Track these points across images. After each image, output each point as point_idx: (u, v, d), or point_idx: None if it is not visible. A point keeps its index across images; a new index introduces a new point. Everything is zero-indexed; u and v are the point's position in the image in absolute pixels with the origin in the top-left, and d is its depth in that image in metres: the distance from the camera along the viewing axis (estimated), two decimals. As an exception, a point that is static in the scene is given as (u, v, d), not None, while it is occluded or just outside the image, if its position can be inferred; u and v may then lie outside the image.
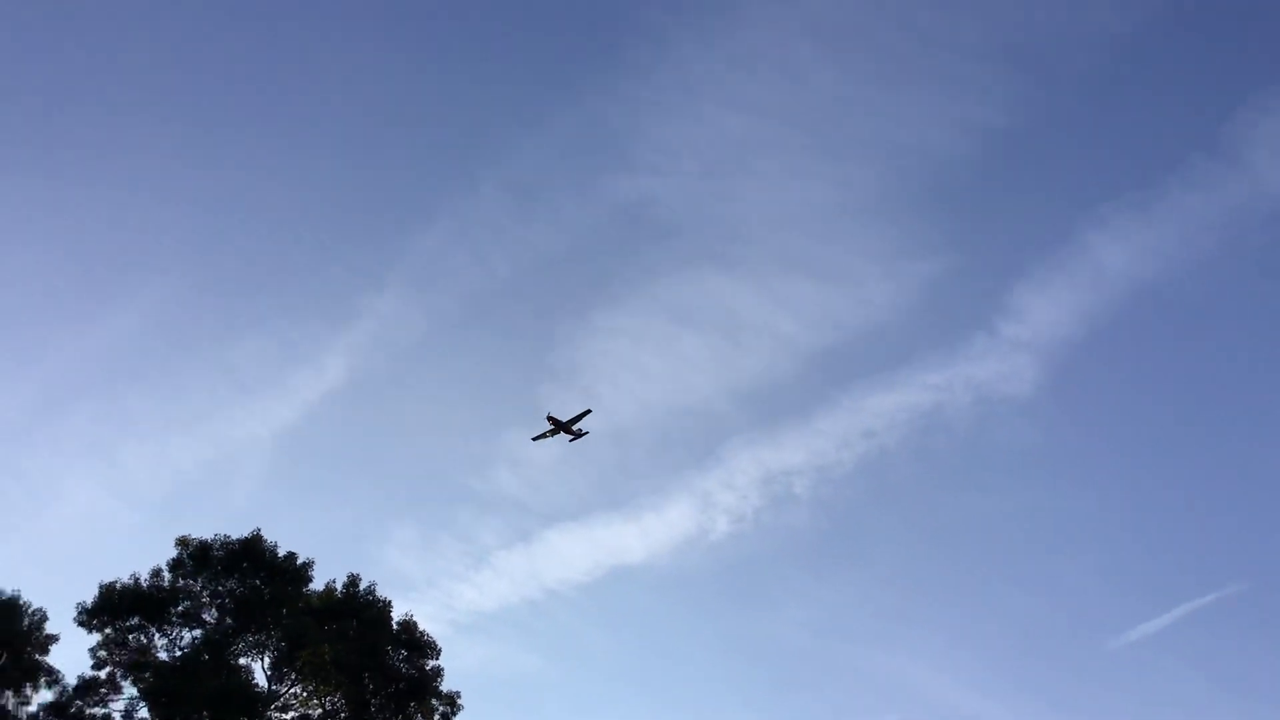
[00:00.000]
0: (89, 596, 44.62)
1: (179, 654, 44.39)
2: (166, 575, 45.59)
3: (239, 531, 46.62)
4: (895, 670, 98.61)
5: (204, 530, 46.46)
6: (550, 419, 69.34)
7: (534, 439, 70.00)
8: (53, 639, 44.29)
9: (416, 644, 46.10)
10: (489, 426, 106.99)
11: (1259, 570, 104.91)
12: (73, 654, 48.02)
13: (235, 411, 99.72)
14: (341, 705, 44.22)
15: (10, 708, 41.70)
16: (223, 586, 45.62)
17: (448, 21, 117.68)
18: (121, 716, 42.98)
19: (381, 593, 46.76)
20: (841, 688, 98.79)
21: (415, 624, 46.52)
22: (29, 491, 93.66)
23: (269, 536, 46.83)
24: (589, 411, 68.35)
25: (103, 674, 43.76)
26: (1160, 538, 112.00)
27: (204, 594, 45.60)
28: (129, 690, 43.33)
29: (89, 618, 44.33)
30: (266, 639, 45.32)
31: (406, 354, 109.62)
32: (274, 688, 44.54)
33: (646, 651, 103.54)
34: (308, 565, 47.25)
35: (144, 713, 42.76)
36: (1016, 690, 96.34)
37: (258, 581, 45.90)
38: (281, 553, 46.87)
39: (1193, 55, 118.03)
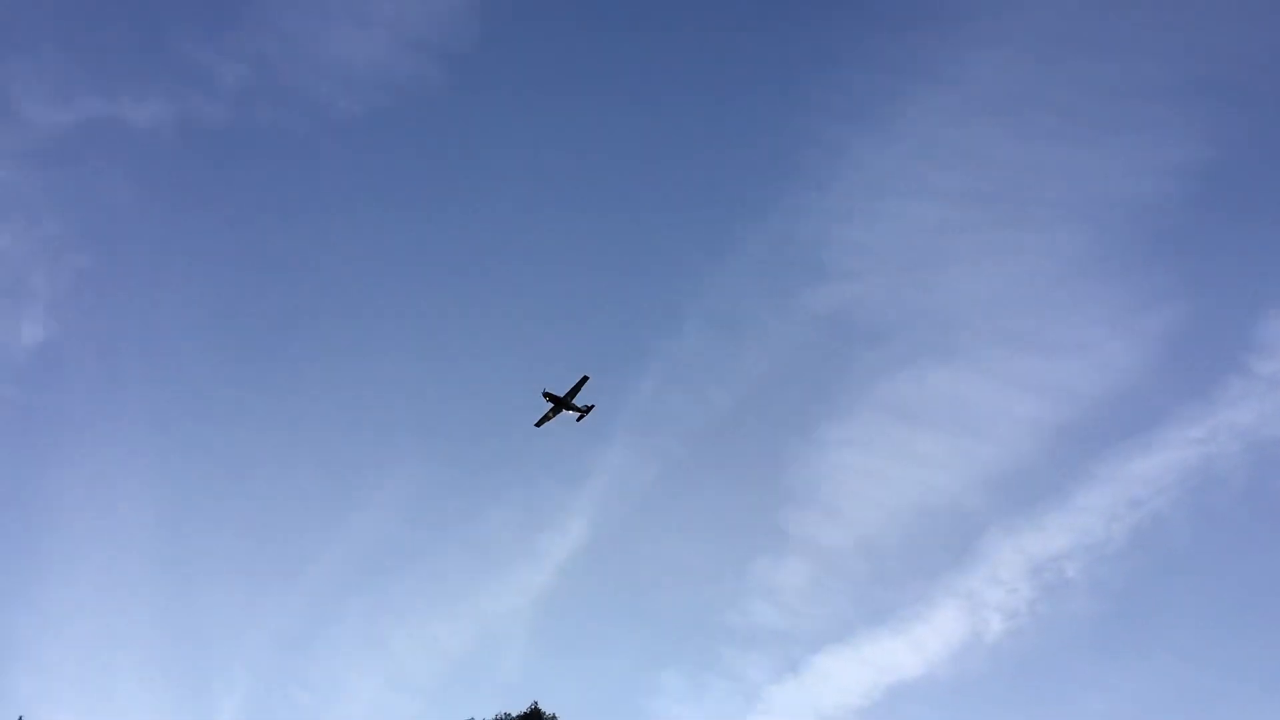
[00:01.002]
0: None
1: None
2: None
3: (516, 706, 48.52)
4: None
5: (483, 709, 48.67)
6: (547, 395, 66.44)
7: (536, 424, 67.71)
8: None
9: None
10: (735, 560, 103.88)
11: None
12: None
13: (491, 585, 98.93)
14: None
15: None
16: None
17: (627, 160, 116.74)
18: None
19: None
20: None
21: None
22: (321, 698, 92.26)
23: (546, 707, 48.79)
24: (587, 379, 65.68)
25: None
26: None
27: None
28: None
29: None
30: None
31: (642, 502, 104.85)
32: None
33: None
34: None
35: None
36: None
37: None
38: (562, 720, 46.39)
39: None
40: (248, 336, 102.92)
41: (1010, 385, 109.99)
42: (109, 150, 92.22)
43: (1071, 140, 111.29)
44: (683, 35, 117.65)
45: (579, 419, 68.28)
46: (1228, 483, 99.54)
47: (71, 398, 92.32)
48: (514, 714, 47.46)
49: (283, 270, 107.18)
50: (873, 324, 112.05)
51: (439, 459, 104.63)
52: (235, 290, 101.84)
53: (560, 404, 67.21)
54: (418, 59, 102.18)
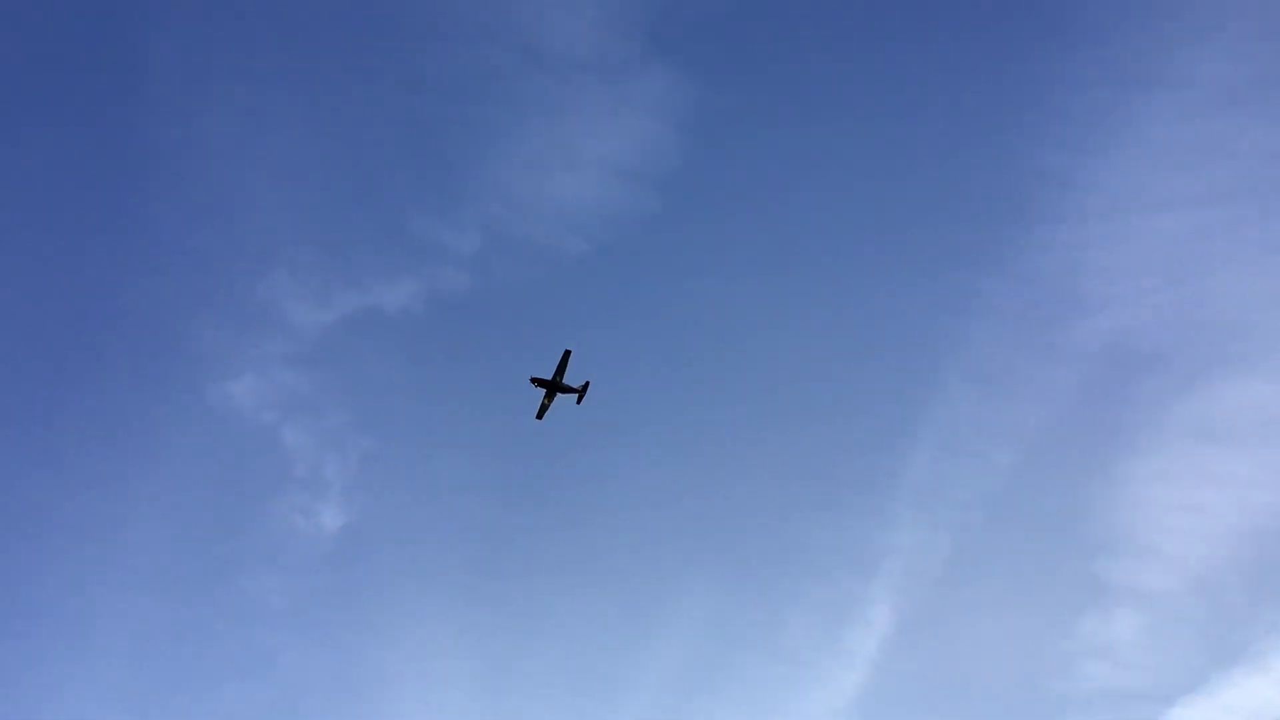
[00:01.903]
0: None
1: None
2: None
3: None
4: None
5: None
6: (535, 381, 64.93)
7: (538, 417, 66.16)
8: None
9: None
10: (1056, 623, 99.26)
11: None
12: None
13: (805, 690, 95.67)
14: None
15: None
16: None
17: (851, 241, 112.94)
18: None
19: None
20: None
21: None
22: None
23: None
24: (569, 353, 63.59)
25: None
26: None
27: None
28: None
29: None
30: None
31: (943, 579, 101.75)
32: None
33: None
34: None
35: None
36: None
37: None
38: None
39: None
40: (519, 484, 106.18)
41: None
42: (371, 337, 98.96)
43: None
44: (876, 108, 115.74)
45: (578, 400, 65.10)
46: None
47: (378, 576, 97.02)
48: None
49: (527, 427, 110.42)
50: (1148, 348, 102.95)
51: (731, 567, 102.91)
52: (504, 441, 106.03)
53: (552, 387, 64.44)
54: (631, 188, 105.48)
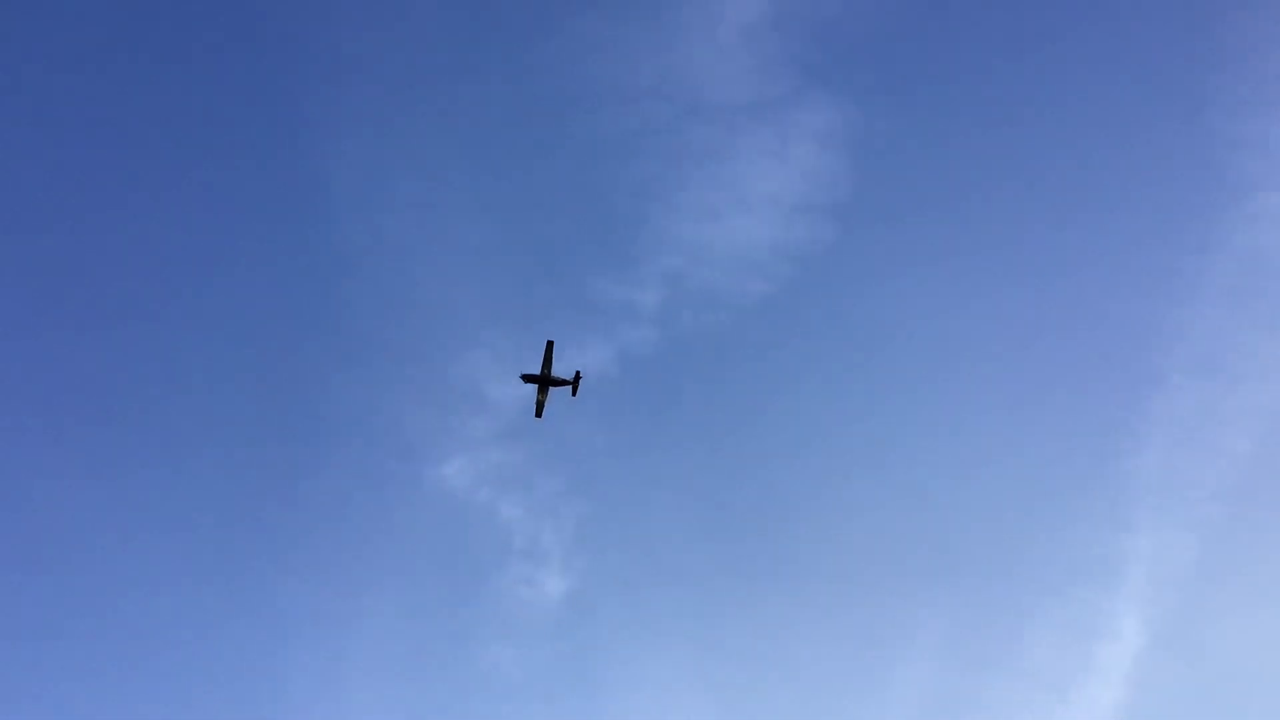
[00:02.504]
0: None
1: None
2: None
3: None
4: None
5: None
6: (525, 378, 64.26)
7: (537, 415, 65.80)
8: None
9: None
10: None
11: None
12: None
13: (1058, 711, 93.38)
14: None
15: None
16: None
17: (1038, 251, 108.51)
18: None
19: None
20: None
21: None
22: None
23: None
24: (552, 343, 62.66)
25: None
26: None
27: None
28: None
29: None
30: None
31: (1195, 583, 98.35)
32: None
33: None
34: None
35: None
36: None
37: None
38: None
39: None
40: (734, 526, 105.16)
41: None
42: (569, 403, 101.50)
43: None
44: (1041, 101, 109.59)
45: (573, 392, 63.40)
46: None
47: (608, 636, 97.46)
48: None
49: (737, 469, 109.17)
50: None
51: (962, 585, 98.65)
52: (713, 485, 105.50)
53: (544, 382, 62.99)
54: (805, 221, 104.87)
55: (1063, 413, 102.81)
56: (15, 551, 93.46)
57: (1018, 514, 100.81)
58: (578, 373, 63.60)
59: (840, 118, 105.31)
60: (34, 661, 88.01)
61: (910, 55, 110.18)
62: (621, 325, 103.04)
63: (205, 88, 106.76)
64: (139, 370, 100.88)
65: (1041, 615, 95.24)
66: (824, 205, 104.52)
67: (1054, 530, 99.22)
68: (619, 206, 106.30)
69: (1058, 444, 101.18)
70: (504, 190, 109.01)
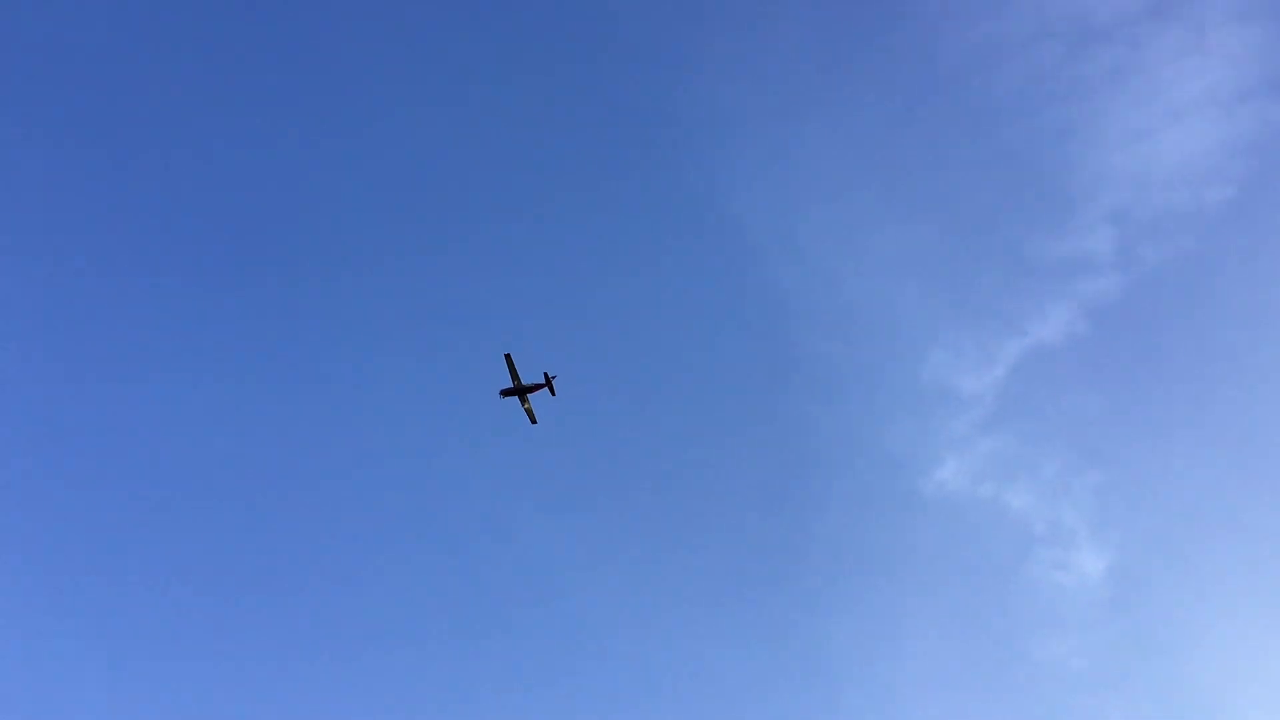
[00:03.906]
0: None
1: None
2: None
3: None
4: None
5: None
6: (504, 393, 65.65)
7: (533, 422, 66.87)
8: None
9: None
10: None
11: None
12: None
13: None
14: None
15: None
16: None
17: None
18: None
19: None
20: None
21: None
22: None
23: None
24: (509, 356, 64.27)
25: None
26: None
27: None
28: None
29: None
30: None
31: None
32: None
33: None
34: None
35: None
36: None
37: None
38: None
39: None
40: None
41: None
42: (1045, 375, 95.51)
43: None
44: None
45: (552, 392, 65.53)
46: None
47: (1170, 606, 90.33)
48: None
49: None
50: None
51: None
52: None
53: (521, 391, 64.93)
54: (1251, 108, 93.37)
55: None
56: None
57: None
58: (546, 374, 65.61)
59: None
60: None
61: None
62: (1076, 281, 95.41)
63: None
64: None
65: None
66: (1269, 83, 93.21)
67: None
68: (1037, 160, 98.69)
69: None
70: (915, 181, 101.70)
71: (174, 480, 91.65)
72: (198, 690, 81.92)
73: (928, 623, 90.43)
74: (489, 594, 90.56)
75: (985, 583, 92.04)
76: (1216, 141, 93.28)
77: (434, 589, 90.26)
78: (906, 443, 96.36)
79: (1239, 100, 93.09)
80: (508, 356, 65.21)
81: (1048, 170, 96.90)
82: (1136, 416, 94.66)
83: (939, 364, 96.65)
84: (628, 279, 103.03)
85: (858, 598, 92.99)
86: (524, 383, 66.22)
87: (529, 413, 67.48)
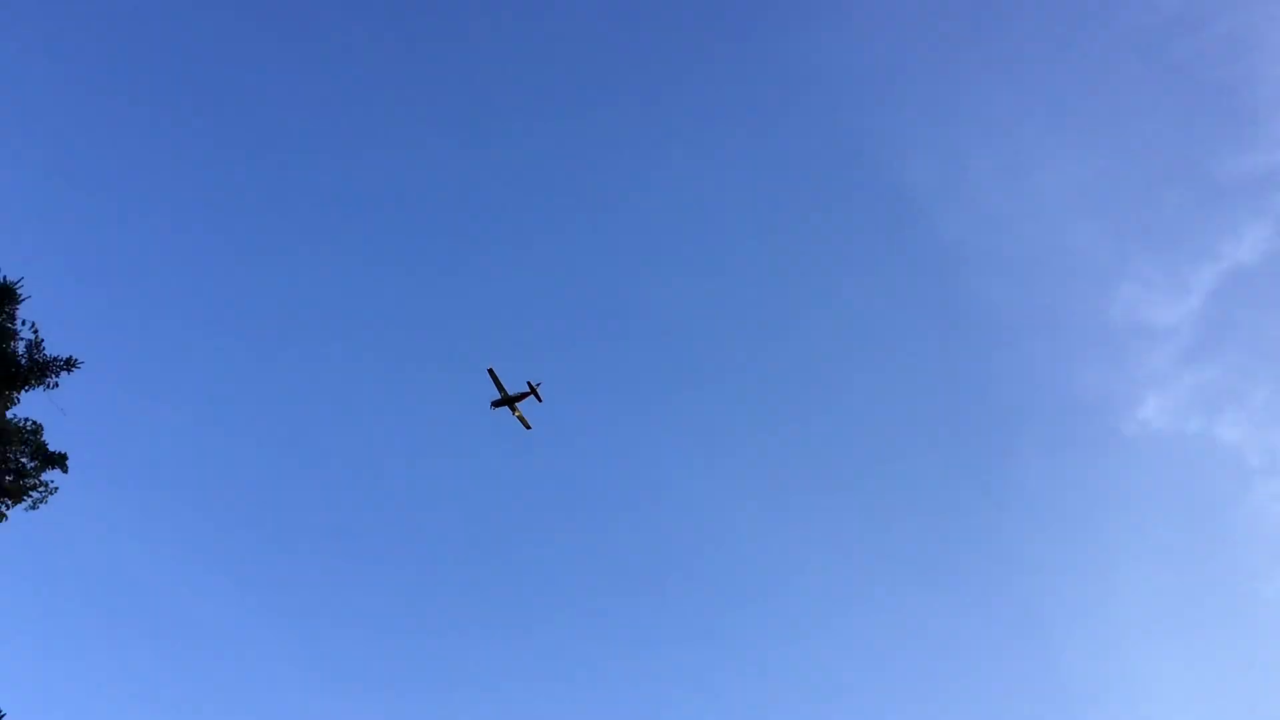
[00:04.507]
0: None
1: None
2: None
3: None
4: None
5: None
6: (495, 404, 66.32)
7: (527, 428, 67.14)
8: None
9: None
10: None
11: None
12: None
13: None
14: None
15: None
16: None
17: None
18: None
19: None
20: None
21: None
22: None
23: None
24: (491, 369, 64.31)
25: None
26: None
27: None
28: None
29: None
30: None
31: None
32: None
33: None
34: None
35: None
36: None
37: None
38: None
39: None
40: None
41: None
42: (1243, 299, 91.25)
43: None
44: None
45: (538, 399, 65.74)
46: None
47: None
48: None
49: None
50: None
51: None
52: None
53: (509, 401, 65.63)
54: None
55: None
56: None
57: None
58: (529, 383, 66.27)
59: None
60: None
61: None
62: (1269, 196, 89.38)
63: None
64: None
65: None
66: None
67: None
68: (1213, 74, 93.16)
69: None
70: (1083, 109, 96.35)
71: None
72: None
73: (1145, 569, 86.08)
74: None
75: (1202, 521, 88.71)
76: None
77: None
78: (1101, 384, 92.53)
79: None
80: (490, 370, 65.32)
81: (1226, 84, 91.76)
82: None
83: (1129, 299, 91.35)
84: (790, 239, 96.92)
85: (1067, 550, 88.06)
86: (510, 393, 66.20)
87: (521, 420, 67.38)
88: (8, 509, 32.79)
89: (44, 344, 32.81)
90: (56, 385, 32.89)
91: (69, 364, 32.92)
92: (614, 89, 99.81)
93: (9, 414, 32.88)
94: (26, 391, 32.80)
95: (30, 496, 32.98)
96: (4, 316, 32.56)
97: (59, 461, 33.28)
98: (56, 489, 33.48)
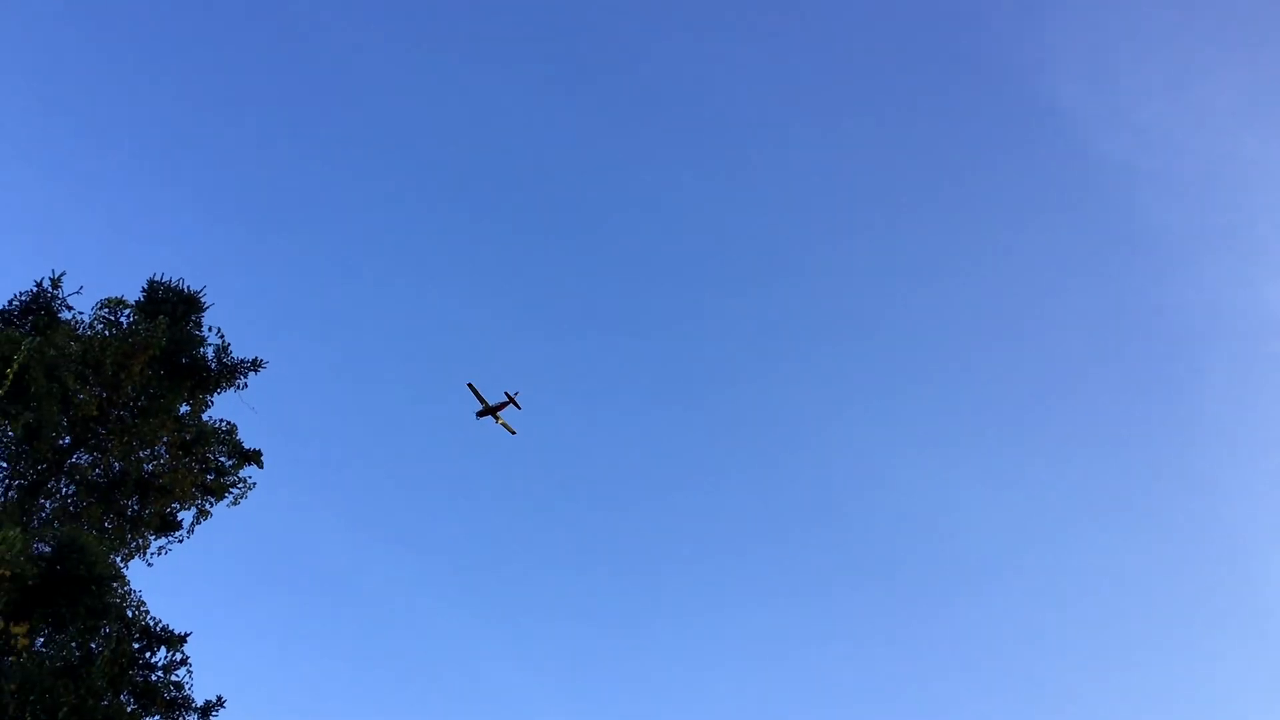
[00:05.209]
0: None
1: None
2: None
3: None
4: None
5: None
6: (479, 414, 68.08)
7: (512, 434, 68.44)
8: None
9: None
10: None
11: None
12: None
13: None
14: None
15: None
16: None
17: None
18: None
19: None
20: None
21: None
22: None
23: None
24: (471, 384, 66.28)
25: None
26: None
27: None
28: None
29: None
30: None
31: None
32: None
33: None
34: None
35: None
36: None
37: None
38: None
39: None
40: None
41: None
42: None
43: None
44: None
45: (518, 407, 67.76)
46: None
47: None
48: None
49: None
50: None
51: None
52: None
53: (490, 411, 67.17)
54: None
55: None
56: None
57: None
58: (506, 393, 68.06)
59: None
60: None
61: None
62: None
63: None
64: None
65: None
66: None
67: None
68: None
69: None
70: (1248, 11, 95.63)
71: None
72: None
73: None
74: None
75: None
76: None
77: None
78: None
79: None
80: (470, 385, 67.62)
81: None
82: None
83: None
84: (959, 174, 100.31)
85: (1264, 476, 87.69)
86: (490, 403, 68.55)
87: (506, 428, 69.39)
88: (211, 506, 34.53)
89: (230, 347, 34.59)
90: (245, 386, 34.65)
91: (255, 365, 34.68)
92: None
93: (204, 416, 34.64)
94: (219, 394, 34.55)
95: (231, 493, 34.64)
96: (192, 325, 34.35)
97: (254, 458, 34.92)
98: (255, 484, 35.14)
